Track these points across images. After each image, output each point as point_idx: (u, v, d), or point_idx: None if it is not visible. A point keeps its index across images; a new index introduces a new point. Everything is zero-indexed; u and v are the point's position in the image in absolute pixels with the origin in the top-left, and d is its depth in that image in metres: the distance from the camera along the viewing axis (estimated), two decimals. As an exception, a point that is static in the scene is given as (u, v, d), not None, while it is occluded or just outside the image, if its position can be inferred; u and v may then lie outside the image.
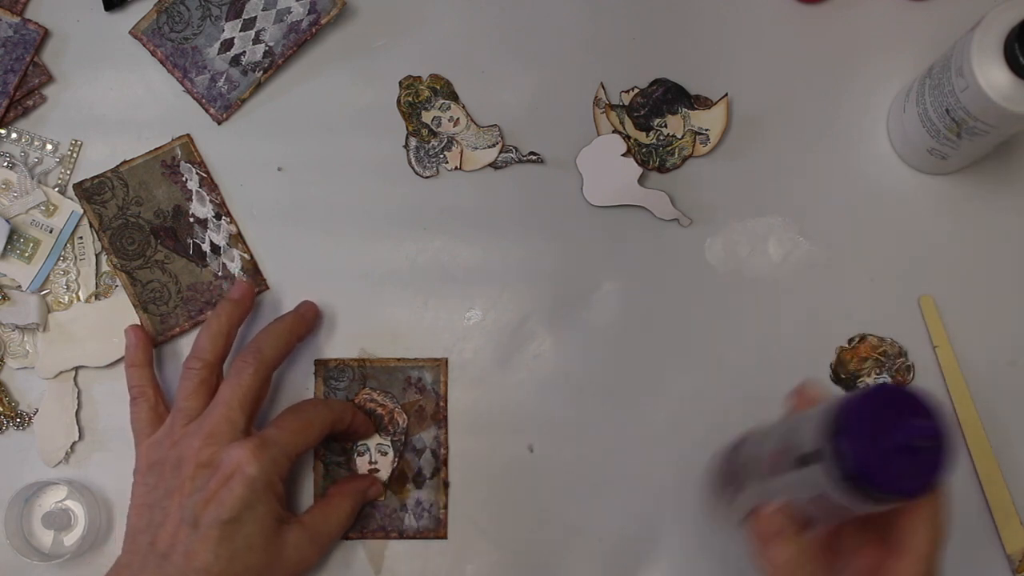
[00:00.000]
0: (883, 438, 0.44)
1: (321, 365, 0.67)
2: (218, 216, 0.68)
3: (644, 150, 0.69)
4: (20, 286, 0.67)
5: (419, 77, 0.70)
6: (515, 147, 0.69)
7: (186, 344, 0.67)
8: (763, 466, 0.51)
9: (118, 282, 0.67)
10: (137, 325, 0.66)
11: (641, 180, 0.69)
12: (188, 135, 0.69)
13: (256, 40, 0.69)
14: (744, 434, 0.55)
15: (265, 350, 0.62)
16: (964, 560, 0.65)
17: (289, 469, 0.60)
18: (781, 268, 0.68)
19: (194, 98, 0.69)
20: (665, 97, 0.69)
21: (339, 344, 0.67)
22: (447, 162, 0.69)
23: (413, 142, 0.69)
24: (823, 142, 0.69)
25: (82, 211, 0.68)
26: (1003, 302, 0.68)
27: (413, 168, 0.69)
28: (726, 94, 0.69)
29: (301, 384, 0.66)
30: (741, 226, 0.69)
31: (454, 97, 0.70)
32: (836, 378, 0.67)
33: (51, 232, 0.67)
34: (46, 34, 0.69)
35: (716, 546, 0.65)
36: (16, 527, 0.64)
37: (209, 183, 0.68)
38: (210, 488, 0.57)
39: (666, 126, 0.69)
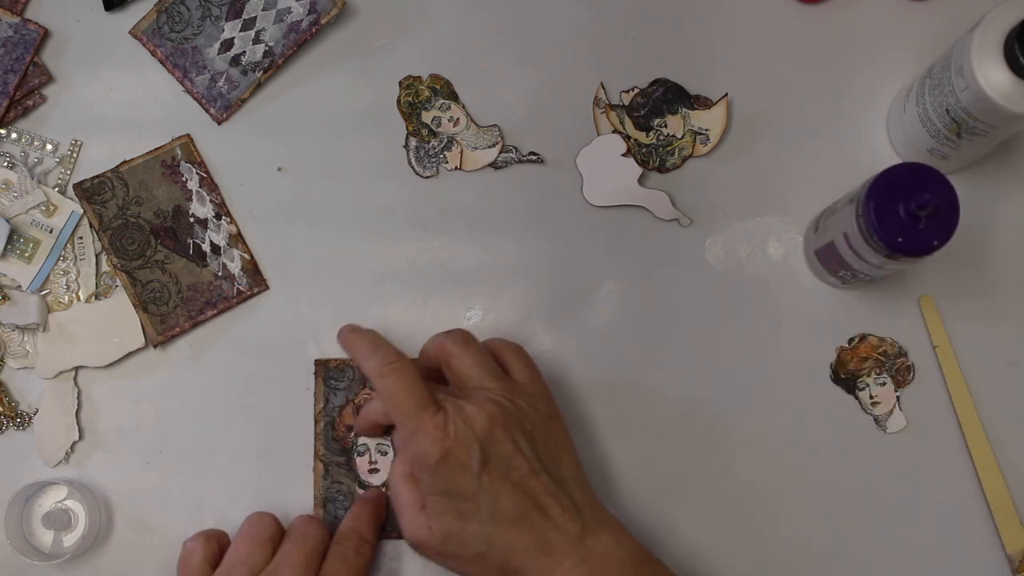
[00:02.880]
0: (889, 207, 0.58)
1: (321, 365, 0.66)
2: (218, 216, 0.68)
3: (644, 150, 0.69)
4: (20, 286, 0.67)
5: (419, 77, 0.70)
6: (515, 147, 0.69)
7: (186, 344, 0.67)
8: (836, 206, 0.64)
9: (118, 282, 0.67)
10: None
11: (641, 180, 0.69)
12: (188, 135, 0.69)
13: (256, 40, 0.69)
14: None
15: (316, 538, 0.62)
16: (964, 560, 0.65)
17: None
18: (781, 268, 0.68)
19: (194, 98, 0.69)
20: (665, 97, 0.69)
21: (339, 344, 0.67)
22: (447, 162, 0.69)
23: (413, 142, 0.69)
24: (823, 142, 0.69)
25: (82, 211, 0.68)
26: (1003, 302, 0.68)
27: (413, 168, 0.69)
28: (726, 94, 0.69)
29: (301, 384, 0.66)
30: (741, 226, 0.69)
31: (454, 97, 0.70)
32: (836, 378, 0.67)
33: (51, 232, 0.67)
34: (46, 34, 0.69)
35: (717, 544, 0.65)
36: (16, 527, 0.64)
37: (209, 183, 0.68)
38: None
39: (666, 126, 0.69)
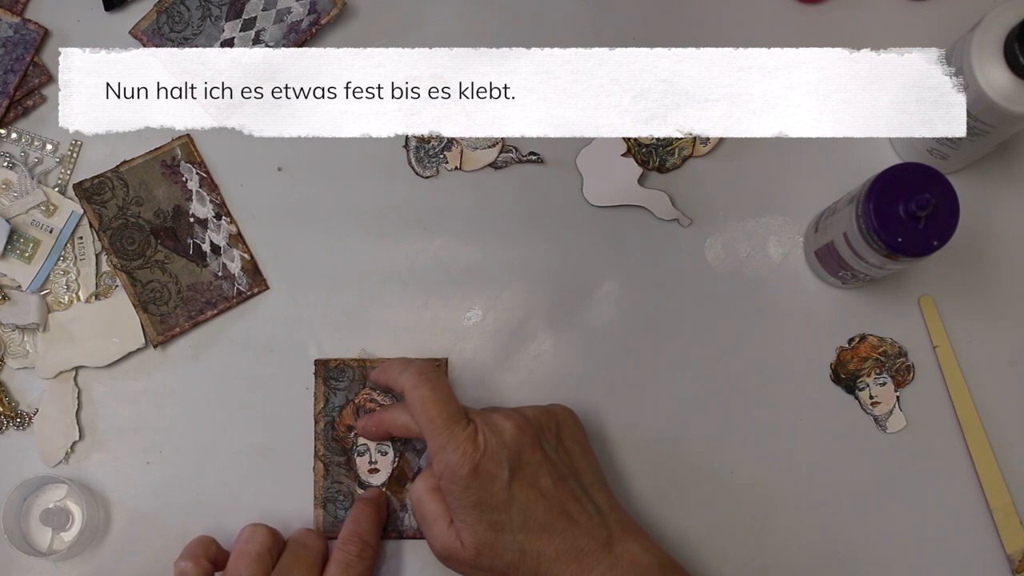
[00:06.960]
0: (889, 207, 0.58)
1: (321, 365, 0.67)
2: (218, 216, 0.68)
3: (644, 150, 0.69)
4: (20, 286, 0.67)
5: (419, 77, 0.70)
6: (515, 147, 0.69)
7: (186, 344, 0.67)
8: (836, 206, 0.64)
9: (118, 282, 0.67)
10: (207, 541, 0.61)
11: (641, 180, 0.69)
12: (188, 135, 0.69)
13: (256, 40, 0.69)
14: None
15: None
16: (964, 560, 0.65)
17: None
18: (781, 268, 0.68)
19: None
20: (665, 97, 0.69)
21: (339, 344, 0.67)
22: (447, 162, 0.69)
23: (413, 142, 0.69)
24: (823, 142, 0.69)
25: (82, 211, 0.68)
26: (1003, 302, 0.68)
27: (413, 168, 0.69)
28: (726, 94, 0.69)
29: (302, 384, 0.66)
30: (741, 226, 0.69)
31: (454, 97, 0.70)
32: (836, 378, 0.67)
33: (51, 232, 0.67)
34: (46, 34, 0.69)
35: (717, 543, 0.65)
36: (14, 522, 0.64)
37: (209, 183, 0.68)
38: None
39: (666, 126, 0.69)
